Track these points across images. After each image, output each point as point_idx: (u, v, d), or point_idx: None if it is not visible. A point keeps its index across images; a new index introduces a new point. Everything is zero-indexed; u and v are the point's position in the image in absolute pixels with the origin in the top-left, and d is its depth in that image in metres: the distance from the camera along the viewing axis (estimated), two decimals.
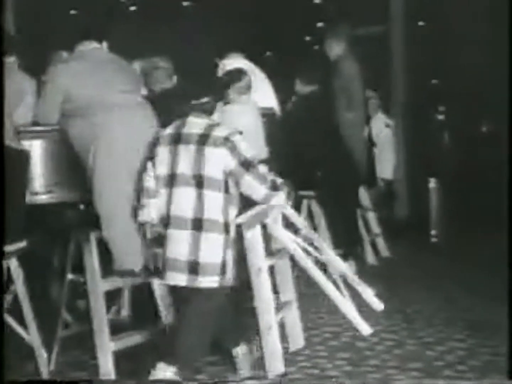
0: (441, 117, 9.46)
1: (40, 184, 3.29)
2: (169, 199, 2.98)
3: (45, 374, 3.30)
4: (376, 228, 5.82)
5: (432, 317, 4.19)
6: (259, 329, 3.26)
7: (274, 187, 3.02)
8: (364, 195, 5.79)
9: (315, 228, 5.13)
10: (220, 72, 4.63)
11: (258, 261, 3.23)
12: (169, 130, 3.06)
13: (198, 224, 2.94)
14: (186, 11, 10.63)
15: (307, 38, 11.49)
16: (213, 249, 2.94)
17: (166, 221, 2.98)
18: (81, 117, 3.19)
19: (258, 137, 4.39)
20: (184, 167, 2.96)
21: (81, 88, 3.22)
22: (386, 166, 6.60)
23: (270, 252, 3.43)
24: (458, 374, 3.28)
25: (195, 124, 3.01)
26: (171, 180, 2.98)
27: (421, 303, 4.47)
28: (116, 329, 3.42)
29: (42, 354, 3.31)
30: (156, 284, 3.41)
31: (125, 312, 3.85)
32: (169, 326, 3.29)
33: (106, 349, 3.17)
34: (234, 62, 4.72)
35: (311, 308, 4.24)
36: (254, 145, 4.28)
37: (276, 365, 3.24)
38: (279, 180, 3.06)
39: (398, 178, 7.20)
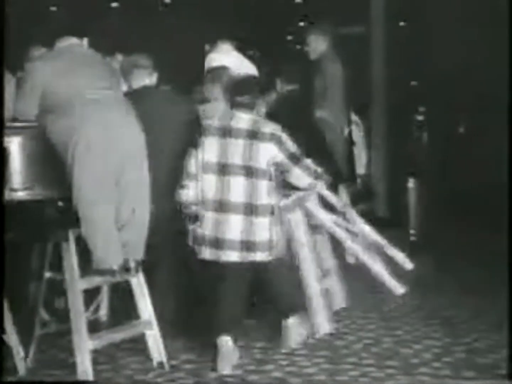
0: (420, 117, 9.53)
1: (18, 180, 3.27)
2: (221, 186, 3.39)
3: (22, 372, 3.29)
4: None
5: (409, 314, 4.23)
6: (307, 295, 3.74)
7: (317, 177, 3.57)
8: (343, 193, 5.81)
9: None
10: (206, 65, 4.62)
11: (301, 237, 3.76)
12: (215, 122, 3.46)
13: (249, 208, 3.38)
14: (167, 9, 10.60)
15: (289, 38, 11.51)
16: (262, 229, 3.40)
17: (217, 205, 3.39)
18: (59, 114, 3.17)
19: None
20: (235, 158, 3.38)
21: (59, 84, 3.20)
22: (359, 163, 6.65)
23: (310, 229, 3.87)
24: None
25: (241, 119, 3.44)
26: (222, 169, 3.39)
27: (397, 301, 4.50)
28: (94, 327, 3.42)
29: (19, 352, 3.29)
30: (135, 283, 3.41)
31: (103, 311, 3.84)
32: (218, 301, 3.48)
33: (84, 348, 3.15)
34: (220, 56, 4.70)
35: None
36: None
37: (324, 325, 3.73)
38: (320, 170, 3.61)
39: (378, 177, 7.25)
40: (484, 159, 8.18)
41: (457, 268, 5.34)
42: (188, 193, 3.45)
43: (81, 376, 3.13)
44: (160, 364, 3.40)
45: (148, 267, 3.44)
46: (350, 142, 6.23)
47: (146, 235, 3.36)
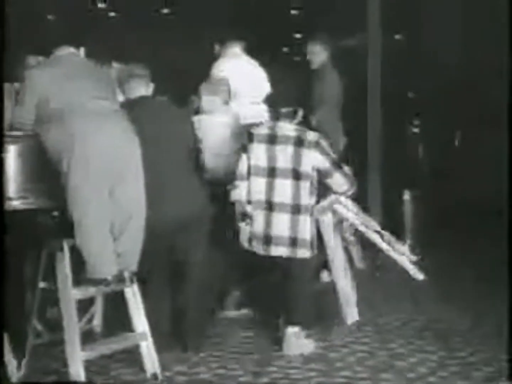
0: (415, 130, 9.56)
1: (14, 189, 3.26)
2: (270, 188, 3.74)
3: (14, 380, 3.26)
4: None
5: (403, 327, 4.23)
6: (336, 289, 4.13)
7: (352, 183, 3.90)
8: None
9: None
10: (212, 71, 4.59)
11: (332, 238, 4.10)
12: (262, 130, 3.80)
13: (296, 208, 3.73)
14: (165, 19, 10.63)
15: (285, 49, 11.56)
16: (306, 228, 3.74)
17: (266, 205, 3.74)
18: (56, 123, 3.17)
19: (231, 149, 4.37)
20: (283, 163, 3.73)
21: (56, 94, 3.20)
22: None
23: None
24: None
25: (286, 128, 3.78)
26: (271, 172, 3.73)
27: (393, 314, 4.50)
28: (88, 338, 3.40)
29: (11, 361, 3.27)
30: (129, 294, 3.39)
31: (97, 321, 3.82)
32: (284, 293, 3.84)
33: (77, 358, 3.13)
34: (227, 64, 4.67)
35: None
36: (226, 158, 4.28)
37: (353, 315, 4.14)
38: (353, 177, 3.96)
39: (373, 189, 7.25)
40: (480, 172, 8.20)
41: (454, 279, 5.34)
42: (241, 193, 3.77)
43: None
44: (154, 375, 3.38)
45: (142, 277, 3.43)
46: (346, 152, 6.24)
47: (141, 247, 3.35)
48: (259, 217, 3.75)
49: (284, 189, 3.73)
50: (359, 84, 7.37)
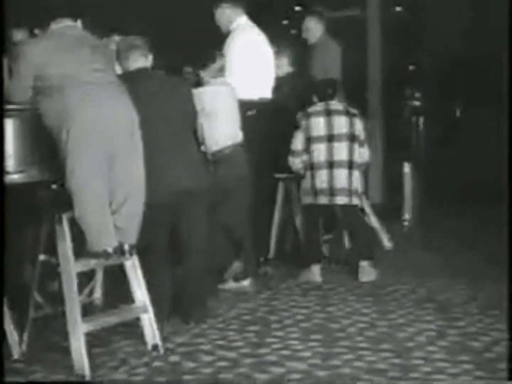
0: (416, 102, 9.50)
1: (12, 163, 3.24)
2: (330, 150, 4.66)
3: (16, 355, 3.28)
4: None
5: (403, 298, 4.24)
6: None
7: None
8: None
9: (291, 209, 5.19)
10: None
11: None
12: (317, 108, 4.76)
13: (350, 165, 4.70)
14: None
15: (285, 22, 11.43)
16: (356, 180, 4.74)
17: (329, 164, 4.66)
18: (53, 95, 3.14)
19: (232, 120, 4.37)
20: (341, 129, 4.70)
21: (53, 66, 3.17)
22: None
23: None
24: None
25: (334, 103, 4.80)
26: (331, 138, 4.67)
27: (392, 285, 4.52)
28: (89, 310, 3.41)
29: (13, 335, 3.28)
30: (129, 266, 3.40)
31: (97, 294, 3.83)
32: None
33: (78, 331, 3.14)
34: (238, 39, 4.66)
35: None
36: (226, 128, 4.30)
37: (386, 243, 5.54)
38: None
39: (373, 162, 7.23)
40: (481, 145, 8.17)
41: (452, 252, 5.36)
42: (295, 161, 4.74)
43: (75, 359, 3.13)
44: (155, 347, 3.40)
45: (143, 249, 3.43)
46: None
47: (140, 219, 3.35)
48: (323, 175, 4.63)
49: (341, 150, 4.66)
50: (359, 56, 7.32)
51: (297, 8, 10.19)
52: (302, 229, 4.91)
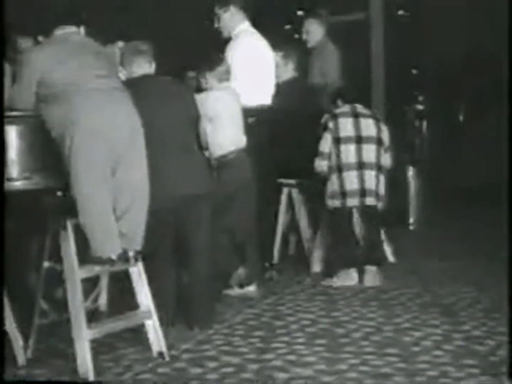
0: (420, 106, 9.49)
1: (16, 170, 3.25)
2: (359, 151, 4.65)
3: (21, 362, 3.28)
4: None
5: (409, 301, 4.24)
6: None
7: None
8: None
9: (294, 214, 5.18)
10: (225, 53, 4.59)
11: None
12: (344, 109, 4.76)
13: (378, 167, 4.70)
14: None
15: (287, 27, 11.44)
16: (383, 185, 4.75)
17: (358, 165, 4.63)
18: (57, 102, 3.15)
19: (236, 125, 4.37)
20: (369, 131, 4.71)
21: (57, 73, 3.17)
22: None
23: None
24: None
25: (360, 107, 4.82)
26: (359, 139, 4.66)
27: (398, 290, 4.51)
28: (94, 317, 3.41)
29: (18, 342, 3.28)
30: (134, 272, 3.40)
31: (103, 301, 3.83)
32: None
33: (83, 337, 3.14)
34: (239, 45, 4.65)
35: None
36: (230, 133, 4.30)
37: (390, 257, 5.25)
38: None
39: None
40: (484, 148, 8.16)
41: (457, 257, 5.35)
42: (322, 164, 4.69)
43: (80, 365, 3.13)
44: (160, 354, 3.39)
45: (147, 256, 3.43)
46: None
47: (145, 226, 3.35)
48: (352, 176, 4.62)
49: (370, 152, 4.66)
50: (363, 60, 7.31)
51: (299, 13, 10.21)
52: (332, 233, 4.75)
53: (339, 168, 4.64)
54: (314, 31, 5.54)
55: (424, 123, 9.34)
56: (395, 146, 7.51)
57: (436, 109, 9.38)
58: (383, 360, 3.28)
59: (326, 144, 4.68)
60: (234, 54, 4.57)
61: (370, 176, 4.65)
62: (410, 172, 6.59)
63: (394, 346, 3.48)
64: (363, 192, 4.63)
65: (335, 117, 4.72)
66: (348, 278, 4.60)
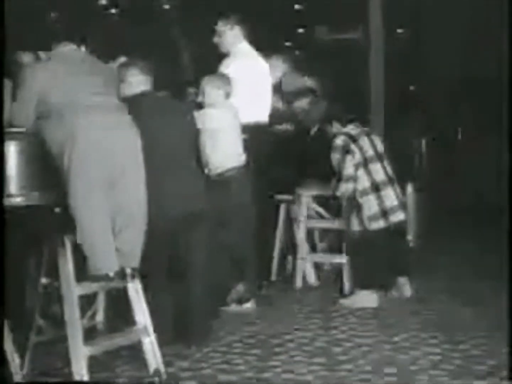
0: (419, 123, 9.54)
1: (15, 186, 3.25)
2: (384, 168, 4.66)
3: (17, 380, 3.26)
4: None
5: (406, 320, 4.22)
6: None
7: None
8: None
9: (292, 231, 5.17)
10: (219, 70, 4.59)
11: None
12: (355, 130, 4.73)
13: (392, 182, 4.70)
14: (167, 14, 10.60)
15: (287, 44, 11.52)
16: (400, 196, 4.73)
17: (390, 181, 4.66)
18: (56, 119, 3.16)
19: (235, 142, 4.38)
20: (380, 148, 4.75)
21: (56, 90, 3.18)
22: None
23: None
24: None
25: (360, 125, 4.82)
26: (380, 157, 4.69)
27: (395, 307, 4.49)
28: (91, 334, 3.40)
29: (15, 359, 3.27)
30: (131, 289, 3.39)
31: (100, 318, 3.81)
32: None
33: (80, 355, 3.13)
34: (234, 63, 4.67)
35: None
36: (230, 150, 4.31)
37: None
38: None
39: None
40: (483, 165, 8.17)
41: (457, 275, 5.33)
42: (348, 187, 4.59)
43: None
44: (157, 371, 3.37)
45: (144, 273, 3.42)
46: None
47: (142, 243, 3.34)
48: (390, 192, 4.61)
49: (387, 168, 4.71)
50: (361, 79, 7.34)
51: (300, 31, 10.29)
52: (368, 254, 4.53)
53: (377, 188, 4.58)
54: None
55: (423, 142, 9.38)
56: (394, 163, 7.58)
57: (435, 128, 9.42)
58: (381, 379, 3.26)
59: (349, 167, 4.58)
60: (232, 71, 4.59)
61: (394, 192, 4.66)
62: (409, 189, 6.59)
63: (391, 364, 3.46)
64: (400, 207, 4.64)
65: (352, 138, 4.66)
66: (371, 300, 4.50)
